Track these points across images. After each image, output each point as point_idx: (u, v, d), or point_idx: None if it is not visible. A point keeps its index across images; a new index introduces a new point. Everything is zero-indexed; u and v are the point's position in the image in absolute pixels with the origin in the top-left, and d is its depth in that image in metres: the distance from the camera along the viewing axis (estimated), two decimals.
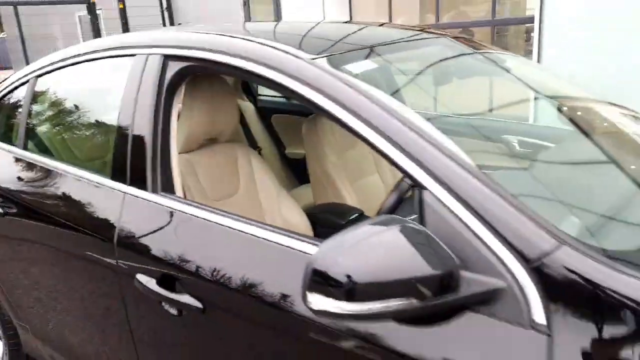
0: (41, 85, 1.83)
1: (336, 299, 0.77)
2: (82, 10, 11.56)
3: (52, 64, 1.77)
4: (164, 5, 11.65)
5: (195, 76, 1.56)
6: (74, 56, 1.67)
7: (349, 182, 2.02)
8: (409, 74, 1.48)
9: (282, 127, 2.77)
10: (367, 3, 8.06)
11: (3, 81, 2.03)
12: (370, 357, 0.89)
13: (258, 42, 1.23)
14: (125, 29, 11.06)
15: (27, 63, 9.70)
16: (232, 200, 1.76)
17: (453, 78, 1.49)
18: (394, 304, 0.78)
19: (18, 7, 10.11)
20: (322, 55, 1.16)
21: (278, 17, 8.68)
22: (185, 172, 1.62)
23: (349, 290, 0.77)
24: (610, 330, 0.76)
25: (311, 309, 0.80)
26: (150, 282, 1.22)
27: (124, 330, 1.39)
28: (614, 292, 0.76)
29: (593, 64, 4.75)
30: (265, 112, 2.80)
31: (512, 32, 6.55)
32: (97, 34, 10.97)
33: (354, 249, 0.79)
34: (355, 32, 1.56)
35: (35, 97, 1.84)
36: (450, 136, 0.97)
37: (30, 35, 12.53)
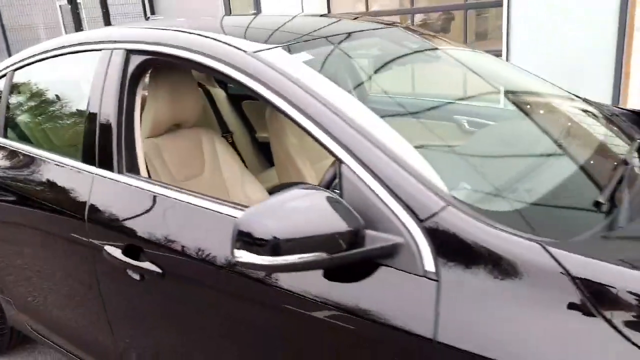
0: (18, 78, 1.96)
1: (257, 254, 0.94)
2: (63, 0, 11.47)
3: (27, 58, 1.90)
4: None
5: (158, 68, 1.70)
6: (47, 51, 1.80)
7: (310, 163, 2.17)
8: (348, 63, 1.64)
9: (252, 112, 2.91)
10: None
11: None
12: (304, 309, 1.06)
13: (209, 37, 1.38)
14: (106, 17, 11.01)
15: (10, 54, 9.66)
16: (197, 180, 1.92)
17: (388, 65, 1.65)
18: (308, 256, 0.94)
19: None
20: (262, 49, 1.31)
21: (257, 8, 8.74)
22: (153, 155, 1.77)
23: (269, 246, 0.93)
24: (483, 274, 0.93)
25: (238, 262, 0.96)
26: (116, 252, 1.38)
27: (96, 298, 1.55)
28: (486, 244, 0.94)
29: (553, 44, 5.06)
30: (236, 98, 2.93)
31: (493, 15, 6.67)
32: (78, 23, 10.93)
33: (271, 212, 0.95)
34: (303, 24, 1.72)
35: (12, 89, 1.97)
36: (381, 115, 1.13)
37: (12, 26, 12.42)
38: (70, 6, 10.91)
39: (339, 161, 1.09)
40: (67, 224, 1.56)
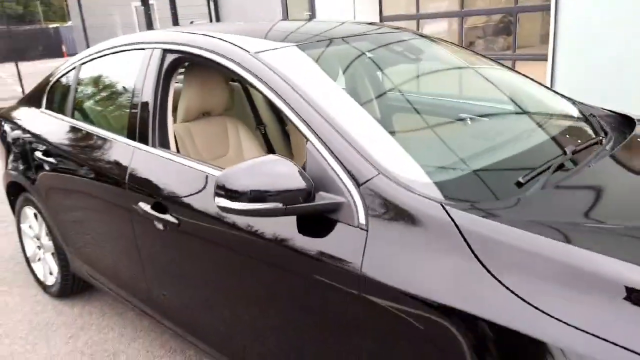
0: (83, 70, 2.43)
1: (230, 201, 1.27)
2: (138, 1, 12.43)
3: (90, 54, 2.37)
4: None
5: (191, 64, 2.08)
6: (105, 49, 2.25)
7: None
8: (344, 62, 1.94)
9: None
10: None
11: (59, 67, 2.66)
12: (278, 252, 1.39)
13: (217, 39, 1.73)
14: (175, 18, 11.86)
15: None
16: (223, 160, 2.29)
17: (374, 68, 1.93)
18: (268, 205, 1.26)
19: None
20: (262, 50, 1.65)
21: (312, 8, 9.12)
22: (185, 137, 2.16)
23: (239, 196, 1.26)
24: (399, 226, 1.20)
25: (218, 206, 1.30)
26: (147, 207, 1.77)
27: (133, 245, 1.95)
28: (403, 203, 1.21)
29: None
30: None
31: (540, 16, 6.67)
32: (149, 22, 11.85)
33: (242, 171, 1.27)
34: (312, 28, 2.03)
35: (79, 79, 2.44)
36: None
37: (93, 25, 13.61)
38: (143, 8, 11.84)
39: (306, 139, 1.40)
40: (113, 187, 1.97)
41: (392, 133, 1.57)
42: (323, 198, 1.30)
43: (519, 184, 1.31)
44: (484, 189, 1.31)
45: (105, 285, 2.35)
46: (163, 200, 1.73)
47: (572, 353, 0.92)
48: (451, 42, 2.35)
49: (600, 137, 1.66)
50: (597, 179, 1.40)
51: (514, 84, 2.11)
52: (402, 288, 1.15)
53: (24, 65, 10.04)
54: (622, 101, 5.43)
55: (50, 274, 2.79)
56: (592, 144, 1.59)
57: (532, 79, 2.13)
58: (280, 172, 1.28)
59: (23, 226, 2.92)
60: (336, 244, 1.28)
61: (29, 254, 2.95)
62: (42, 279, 2.88)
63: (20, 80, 9.71)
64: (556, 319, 0.96)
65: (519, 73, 2.19)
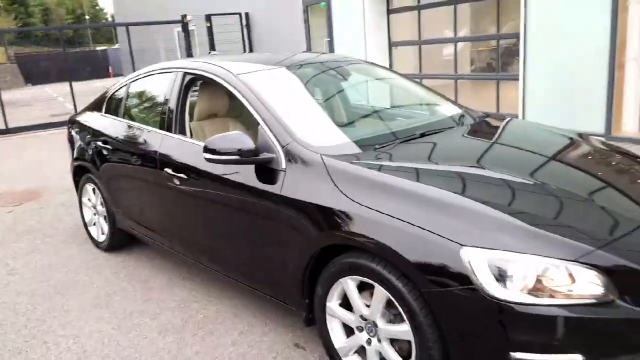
0: (132, 86, 3.53)
1: (211, 154, 2.27)
2: (180, 27, 13.92)
3: (137, 75, 3.46)
4: (244, 22, 13.71)
5: (203, 82, 3.12)
6: (146, 72, 3.34)
7: None
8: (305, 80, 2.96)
9: None
10: (402, 20, 9.32)
11: (114, 84, 3.77)
12: (244, 189, 2.37)
13: (216, 65, 2.77)
14: (211, 43, 13.24)
15: (134, 70, 12.14)
16: None
17: (320, 86, 2.94)
18: (231, 157, 2.25)
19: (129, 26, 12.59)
20: (241, 72, 2.66)
21: (331, 34, 10.21)
22: (199, 130, 3.17)
23: (215, 151, 2.26)
24: (301, 167, 2.17)
25: (205, 159, 2.29)
26: (169, 170, 2.79)
27: (160, 198, 2.98)
28: (303, 155, 2.18)
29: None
30: None
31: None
32: (188, 47, 13.27)
33: (220, 139, 2.27)
34: (283, 59, 3.05)
35: (129, 92, 3.54)
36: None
37: (139, 48, 15.19)
38: (184, 33, 13.29)
39: (258, 124, 2.39)
40: (149, 161, 3.01)
41: (306, 118, 2.56)
42: (264, 155, 2.28)
43: (373, 147, 2.27)
44: (349, 149, 2.27)
45: (140, 232, 3.38)
46: (179, 165, 2.75)
47: (359, 216, 1.88)
48: (382, 66, 3.34)
49: (453, 126, 2.60)
50: (426, 147, 2.34)
51: (408, 90, 3.12)
52: (300, 198, 2.11)
53: (74, 85, 11.51)
54: (575, 105, 6.28)
55: (102, 234, 3.85)
56: (441, 130, 2.54)
57: (427, 88, 3.14)
58: (240, 140, 2.28)
59: (84, 199, 4.02)
60: (270, 179, 2.25)
61: (87, 220, 4.04)
62: (95, 238, 3.94)
63: (73, 98, 11.16)
64: (360, 203, 1.91)
65: (418, 83, 3.20)
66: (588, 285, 1.64)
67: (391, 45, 9.48)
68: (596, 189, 2.09)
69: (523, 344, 1.65)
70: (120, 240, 3.78)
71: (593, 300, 1.63)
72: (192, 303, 2.95)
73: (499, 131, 2.74)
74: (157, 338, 2.62)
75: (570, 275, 1.65)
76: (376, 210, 1.88)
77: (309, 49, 11.58)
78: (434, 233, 1.76)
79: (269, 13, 12.78)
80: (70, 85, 11.46)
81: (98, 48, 42.20)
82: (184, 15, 12.81)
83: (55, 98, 19.45)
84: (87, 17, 56.04)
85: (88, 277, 3.43)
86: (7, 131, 10.62)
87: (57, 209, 5.01)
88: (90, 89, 21.39)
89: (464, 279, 1.68)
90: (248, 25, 13.90)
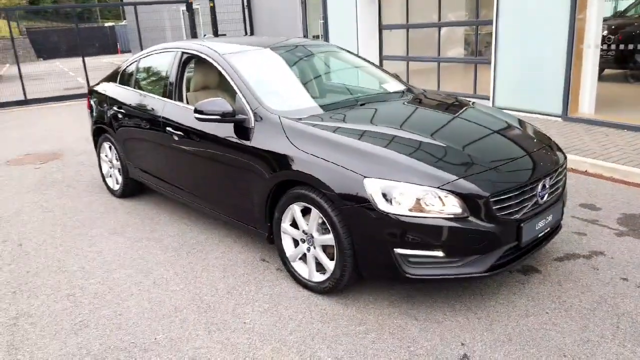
0: (141, 62, 4.33)
1: (200, 114, 3.07)
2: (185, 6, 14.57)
3: (145, 53, 4.27)
4: (245, 2, 14.35)
5: (197, 60, 3.90)
6: (152, 51, 4.16)
7: None
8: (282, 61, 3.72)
9: None
10: (391, 4, 9.96)
11: (126, 60, 4.57)
12: (225, 143, 3.18)
13: (207, 46, 3.56)
14: (214, 22, 13.91)
15: (142, 48, 12.86)
16: None
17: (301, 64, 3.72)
18: (215, 117, 3.05)
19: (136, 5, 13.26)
20: (226, 52, 3.45)
21: (325, 16, 10.86)
22: (193, 99, 3.97)
23: (203, 113, 3.06)
24: (267, 124, 2.97)
25: (195, 118, 3.10)
26: (170, 129, 3.61)
27: (163, 151, 3.80)
28: (266, 116, 2.98)
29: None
30: None
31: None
32: (192, 25, 13.94)
33: (207, 102, 3.07)
34: (263, 41, 3.83)
35: (138, 68, 4.34)
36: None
37: (146, 26, 15.86)
38: (188, 13, 13.94)
39: (235, 93, 3.19)
40: (153, 123, 3.82)
41: (274, 89, 3.35)
42: (239, 116, 3.09)
43: (324, 112, 3.07)
44: (302, 113, 3.06)
45: (148, 181, 4.22)
46: (177, 124, 3.57)
47: (301, 160, 2.70)
48: (352, 52, 4.12)
49: (392, 99, 3.40)
50: (364, 112, 3.13)
51: (369, 71, 3.89)
52: (265, 148, 2.92)
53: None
54: (541, 87, 7.03)
55: (117, 183, 4.70)
56: (383, 101, 3.34)
57: (384, 70, 3.89)
58: (222, 104, 3.08)
59: (101, 155, 4.86)
60: (244, 135, 3.06)
61: (104, 172, 4.88)
62: (111, 187, 4.79)
63: (86, 72, 11.94)
64: (302, 150, 2.72)
65: (377, 67, 3.96)
66: (452, 207, 2.45)
67: (381, 28, 10.14)
68: (470, 142, 2.85)
69: (402, 243, 2.47)
70: (132, 188, 4.62)
71: (452, 216, 2.43)
72: (187, 232, 3.80)
73: (425, 104, 3.51)
74: (159, 254, 3.47)
75: (440, 199, 2.45)
76: (313, 155, 2.69)
77: (305, 30, 12.25)
78: (348, 169, 2.56)
79: None
80: (83, 60, 12.21)
81: (106, 24, 42.71)
82: None
83: (66, 72, 20.23)
84: None
85: (106, 214, 4.28)
86: (26, 102, 11.49)
87: (77, 167, 5.86)
88: (99, 64, 22.10)
89: (366, 200, 2.49)
90: (249, 6, 14.55)
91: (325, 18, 11.05)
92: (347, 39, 10.28)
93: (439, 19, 8.84)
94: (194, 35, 13.61)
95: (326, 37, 11.01)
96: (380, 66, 4.11)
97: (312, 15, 12.05)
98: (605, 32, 8.15)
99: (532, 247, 2.75)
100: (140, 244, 3.65)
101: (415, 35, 9.56)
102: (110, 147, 4.68)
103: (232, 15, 14.73)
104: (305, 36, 12.32)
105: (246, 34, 14.64)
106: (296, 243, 2.98)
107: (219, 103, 3.09)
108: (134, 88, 4.32)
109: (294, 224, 2.94)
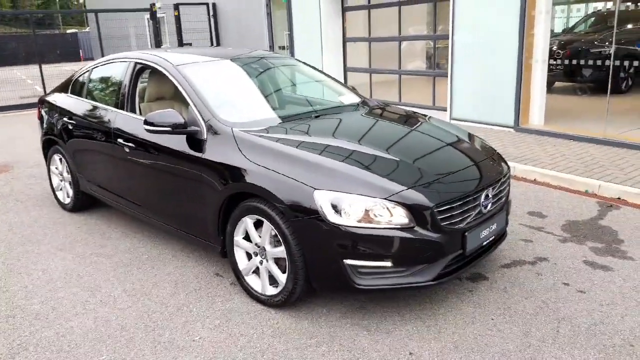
0: (94, 72, 4.22)
1: (150, 126, 3.01)
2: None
3: (98, 62, 4.16)
4: (211, 12, 14.28)
5: (151, 70, 3.84)
6: (106, 61, 4.06)
7: None
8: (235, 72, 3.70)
9: None
10: (355, 18, 10.11)
11: (81, 68, 4.45)
12: (175, 155, 3.13)
13: (160, 57, 3.51)
14: (179, 31, 13.76)
15: (103, 55, 12.58)
16: None
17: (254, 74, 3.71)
18: (165, 128, 3.00)
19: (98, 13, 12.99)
20: (179, 64, 3.41)
21: (290, 28, 10.91)
22: (148, 110, 3.90)
23: (153, 124, 3.00)
24: (219, 138, 2.94)
25: (145, 129, 3.04)
26: (121, 141, 3.53)
27: (114, 163, 3.70)
28: (219, 129, 2.96)
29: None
30: None
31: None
32: (156, 34, 13.75)
33: (156, 114, 3.01)
34: (217, 52, 3.80)
35: (91, 77, 4.24)
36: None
37: (109, 33, 15.53)
38: (152, 21, 13.75)
39: (188, 105, 3.14)
40: (105, 134, 3.73)
41: (227, 101, 3.33)
42: (191, 128, 3.05)
43: (278, 123, 3.06)
44: (257, 125, 3.05)
45: (100, 194, 4.10)
46: (128, 136, 3.49)
47: (252, 172, 2.68)
48: (309, 64, 4.14)
49: (347, 111, 3.43)
50: (318, 124, 3.14)
51: (326, 84, 3.91)
52: (217, 160, 2.88)
53: (43, 68, 11.90)
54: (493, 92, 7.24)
55: (68, 197, 4.54)
56: (337, 113, 3.36)
57: (340, 82, 3.92)
58: (173, 116, 3.03)
59: (52, 167, 4.69)
60: (197, 147, 3.02)
61: (54, 185, 4.71)
62: (62, 201, 4.63)
63: (43, 81, 11.57)
64: (254, 162, 2.70)
65: (334, 79, 3.99)
66: (399, 217, 2.47)
67: (345, 40, 10.26)
68: (419, 154, 2.89)
69: (352, 254, 2.47)
70: (83, 202, 4.47)
71: (400, 226, 2.46)
72: (140, 247, 3.70)
73: (379, 117, 3.55)
74: (109, 270, 3.36)
75: (388, 209, 2.47)
76: (264, 167, 2.67)
77: (270, 41, 12.26)
78: (298, 181, 2.56)
79: (235, 4, 13.37)
80: (40, 69, 11.84)
81: (68, 31, 41.64)
82: (152, 3, 13.28)
83: (24, 80, 19.53)
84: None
85: (55, 230, 4.13)
86: None
87: (27, 180, 5.65)
88: (61, 72, 21.43)
89: (316, 212, 2.49)
90: (215, 16, 14.48)
91: (290, 30, 11.11)
92: (312, 50, 10.36)
93: (399, 32, 9.02)
94: (157, 43, 13.43)
95: (292, 48, 11.06)
96: (337, 79, 4.14)
97: (279, 26, 12.09)
98: (555, 47, 8.50)
99: (477, 255, 2.81)
100: (89, 260, 3.53)
101: (378, 48, 9.72)
102: (60, 159, 4.53)
103: (198, 24, 14.62)
104: (272, 46, 12.34)
105: (212, 44, 14.54)
106: (249, 256, 2.94)
107: (170, 114, 3.04)
108: (86, 98, 4.20)
109: (247, 237, 2.90)
